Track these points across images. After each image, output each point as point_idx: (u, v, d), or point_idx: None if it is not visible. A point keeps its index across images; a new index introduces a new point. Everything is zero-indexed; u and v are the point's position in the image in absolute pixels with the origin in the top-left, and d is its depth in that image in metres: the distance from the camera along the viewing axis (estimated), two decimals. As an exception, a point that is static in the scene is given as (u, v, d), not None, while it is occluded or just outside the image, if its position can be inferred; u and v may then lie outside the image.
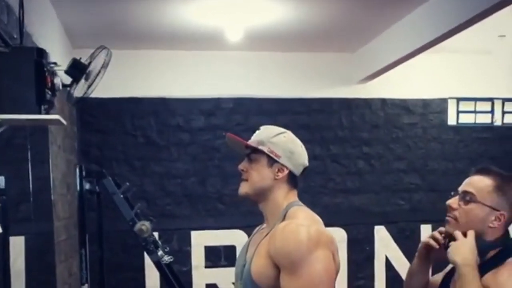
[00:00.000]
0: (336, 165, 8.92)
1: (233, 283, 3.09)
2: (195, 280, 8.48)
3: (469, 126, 9.31)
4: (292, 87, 8.72)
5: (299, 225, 2.74)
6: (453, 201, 2.88)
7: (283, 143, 2.92)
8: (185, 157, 8.59)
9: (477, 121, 9.34)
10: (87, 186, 6.00)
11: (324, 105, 8.86)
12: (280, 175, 2.90)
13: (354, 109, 8.96)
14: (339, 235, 8.45)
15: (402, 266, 8.57)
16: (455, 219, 2.85)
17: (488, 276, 2.71)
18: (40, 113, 3.55)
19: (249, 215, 7.87)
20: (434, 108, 9.18)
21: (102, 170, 6.30)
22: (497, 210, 2.76)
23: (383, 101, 9.03)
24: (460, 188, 2.89)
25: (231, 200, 8.45)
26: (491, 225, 2.78)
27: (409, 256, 9.00)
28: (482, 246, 2.76)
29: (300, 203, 2.96)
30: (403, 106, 9.10)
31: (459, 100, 9.25)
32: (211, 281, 8.37)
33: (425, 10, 6.60)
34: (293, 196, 2.96)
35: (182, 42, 7.95)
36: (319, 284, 2.64)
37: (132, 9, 6.57)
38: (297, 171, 2.95)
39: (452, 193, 2.92)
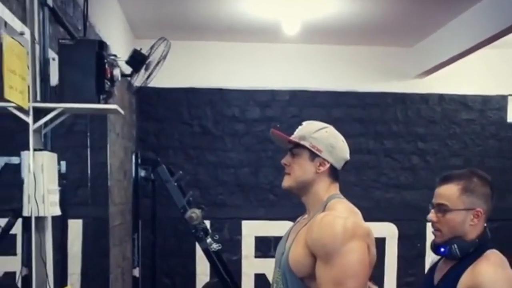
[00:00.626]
0: (390, 159, 8.90)
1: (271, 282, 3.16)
2: (245, 269, 8.56)
3: (529, 123, 9.18)
4: (347, 80, 8.73)
5: (336, 216, 2.82)
6: (432, 215, 2.99)
7: (324, 138, 2.98)
8: (239, 148, 8.66)
9: (538, 119, 9.21)
10: (142, 173, 6.11)
11: (379, 99, 8.85)
12: (322, 169, 2.97)
13: (409, 104, 8.93)
14: (390, 230, 8.45)
15: (453, 262, 8.48)
16: (439, 230, 2.97)
17: (468, 270, 2.83)
18: (99, 102, 3.68)
19: (300, 206, 7.85)
20: (494, 105, 9.09)
21: (157, 158, 6.41)
22: (472, 209, 2.90)
23: (441, 96, 8.97)
24: (434, 201, 3.00)
25: (282, 191, 8.36)
26: (471, 223, 2.91)
27: (461, 253, 8.93)
28: (462, 246, 2.89)
29: (341, 195, 3.04)
30: (462, 102, 9.03)
31: (519, 97, 9.15)
32: (260, 271, 8.43)
33: (485, 5, 6.57)
34: (335, 189, 3.03)
35: (239, 34, 8.03)
36: (353, 275, 2.71)
37: (191, 1, 6.68)
38: (338, 165, 3.01)
39: (430, 207, 3.02)
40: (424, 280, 3.19)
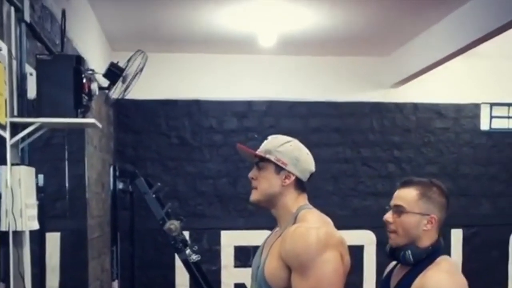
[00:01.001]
0: (367, 168, 8.97)
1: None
2: (224, 279, 8.59)
3: (502, 131, 9.31)
4: (323, 90, 8.79)
5: (308, 228, 2.88)
6: (388, 216, 3.08)
7: (289, 151, 3.04)
8: (217, 158, 8.69)
9: (510, 126, 9.33)
10: (120, 185, 6.14)
11: (356, 109, 8.92)
12: (287, 181, 3.03)
13: (385, 113, 9.01)
14: (368, 237, 8.51)
15: (431, 269, 8.55)
16: (394, 232, 3.05)
17: (419, 277, 2.94)
18: (77, 116, 3.71)
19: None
20: (467, 113, 9.19)
21: (135, 170, 6.42)
22: (427, 215, 3.01)
23: (415, 105, 9.06)
24: (392, 203, 3.09)
25: (262, 201, 8.49)
26: (425, 228, 3.01)
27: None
28: (416, 253, 2.99)
29: (310, 206, 3.09)
30: (435, 110, 9.12)
31: (492, 105, 9.25)
32: (240, 280, 8.46)
33: (459, 15, 6.64)
34: (303, 200, 3.09)
35: (216, 46, 8.07)
36: (328, 285, 2.76)
37: (168, 14, 6.71)
38: (304, 177, 3.07)
39: (387, 207, 3.11)
40: (380, 285, 3.27)
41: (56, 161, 4.99)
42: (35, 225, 3.62)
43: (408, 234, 3.01)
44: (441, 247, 3.08)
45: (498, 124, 9.31)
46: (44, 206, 3.88)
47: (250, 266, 8.25)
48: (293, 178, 3.04)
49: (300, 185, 3.07)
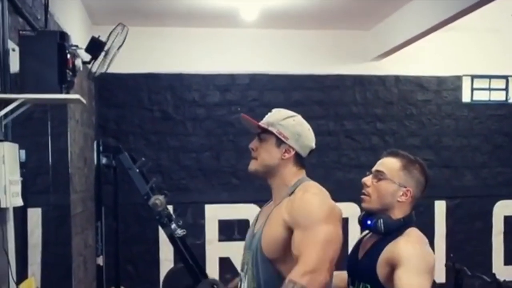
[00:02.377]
0: (350, 140, 8.98)
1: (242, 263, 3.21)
2: (209, 253, 8.59)
3: (484, 103, 9.34)
4: (306, 64, 8.77)
5: (319, 195, 2.99)
6: (367, 179, 3.18)
7: (291, 126, 3.08)
8: (200, 132, 8.67)
9: (492, 98, 9.37)
10: (104, 160, 6.12)
11: (338, 82, 8.92)
12: (287, 155, 3.08)
13: (367, 86, 9.01)
14: (352, 210, 8.45)
15: (415, 241, 8.59)
16: (368, 195, 3.13)
17: (388, 246, 3.00)
18: (61, 92, 3.70)
19: (262, 189, 7.89)
20: (448, 85, 9.21)
21: (118, 145, 6.40)
22: (404, 187, 3.09)
23: (397, 78, 9.07)
24: (373, 168, 3.19)
25: (245, 174, 8.43)
26: (399, 199, 3.08)
27: (424, 231, 8.97)
28: (387, 223, 3.06)
29: (310, 180, 3.13)
30: (417, 83, 9.14)
31: (473, 77, 9.28)
32: (224, 254, 8.47)
33: (441, -12, 6.63)
34: (302, 174, 3.14)
35: (198, 20, 8.03)
36: (329, 243, 2.78)
37: (149, -14, 6.66)
38: (304, 153, 3.11)
39: (367, 173, 3.20)
40: (350, 254, 3.31)
41: (38, 136, 4.96)
42: (19, 202, 3.61)
43: (381, 200, 3.09)
44: (413, 222, 3.14)
45: (479, 96, 9.35)
46: (25, 182, 3.86)
47: (234, 240, 8.32)
48: (293, 152, 3.09)
49: (299, 160, 3.12)
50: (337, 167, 8.87)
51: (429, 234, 7.75)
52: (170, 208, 6.51)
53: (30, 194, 4.28)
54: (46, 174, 5.08)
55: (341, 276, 3.33)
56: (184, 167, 8.62)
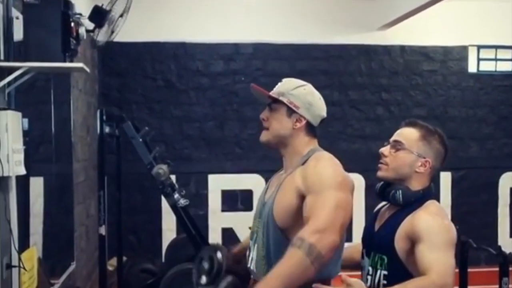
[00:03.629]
0: (355, 111, 8.94)
1: (250, 227, 3.19)
2: (211, 224, 8.57)
3: (490, 73, 9.29)
4: (311, 33, 8.70)
5: (334, 164, 2.96)
6: (384, 149, 3.13)
7: (302, 95, 3.05)
8: (204, 101, 8.63)
9: (498, 69, 9.32)
10: (107, 129, 6.08)
11: (343, 52, 8.86)
12: (298, 125, 3.05)
13: (373, 56, 8.96)
14: (357, 181, 8.36)
15: (420, 213, 8.59)
16: (386, 164, 3.10)
17: (407, 219, 2.96)
18: (65, 61, 3.67)
19: (266, 159, 7.91)
20: (454, 56, 9.15)
21: (122, 114, 6.36)
22: (423, 157, 3.04)
23: (403, 48, 9.01)
24: (392, 138, 3.14)
25: (248, 144, 8.49)
26: (417, 170, 3.05)
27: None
28: (406, 194, 3.02)
29: (322, 149, 3.10)
30: (423, 53, 9.08)
31: (479, 47, 9.22)
32: (227, 225, 8.45)
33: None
34: (314, 144, 3.11)
35: (202, -13, 7.95)
36: (340, 208, 2.77)
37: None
38: (315, 122, 3.09)
39: (385, 143, 3.16)
40: (366, 225, 3.29)
41: (41, 104, 4.93)
42: (22, 170, 3.60)
43: (399, 170, 3.06)
44: (432, 194, 3.10)
45: (485, 66, 9.29)
46: (28, 150, 3.83)
47: (237, 210, 8.30)
48: (304, 122, 3.06)
49: (311, 129, 3.09)
50: (341, 138, 8.83)
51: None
52: (173, 177, 6.49)
53: (32, 163, 4.27)
54: (48, 143, 5.06)
55: (357, 247, 3.31)
56: (187, 137, 8.59)
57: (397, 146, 3.07)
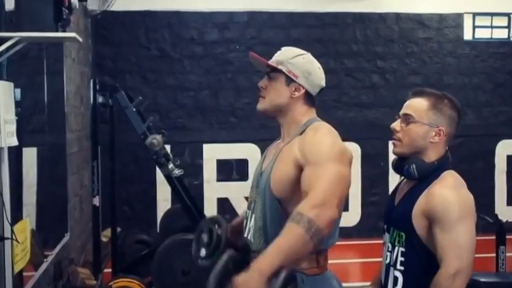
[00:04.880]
0: (350, 79, 8.91)
1: (245, 198, 3.16)
2: (207, 194, 8.55)
3: (485, 41, 9.26)
4: (306, 1, 8.65)
5: (331, 136, 2.88)
6: (395, 124, 3.04)
7: (301, 64, 3.01)
8: (198, 70, 8.59)
9: (494, 36, 9.29)
10: (100, 99, 6.03)
11: (338, 19, 8.82)
12: (297, 94, 3.00)
13: (368, 23, 8.92)
14: (353, 150, 8.35)
15: (416, 181, 8.60)
16: (399, 140, 3.02)
17: (424, 193, 2.89)
18: (57, 30, 3.61)
19: (261, 128, 7.90)
20: (450, 23, 9.12)
21: (115, 84, 6.32)
22: (436, 126, 2.95)
23: (398, 15, 8.97)
24: (401, 112, 3.04)
25: (243, 113, 8.46)
26: (432, 140, 2.96)
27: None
28: (421, 167, 2.95)
29: (320, 120, 3.05)
30: (418, 20, 9.04)
31: (475, 15, 9.18)
32: (222, 195, 8.44)
33: None
34: (312, 113, 3.06)
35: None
36: (338, 180, 2.72)
37: None
38: (314, 91, 3.04)
39: (395, 117, 3.06)
40: (388, 200, 3.20)
41: (33, 74, 4.87)
42: (14, 141, 3.56)
43: (413, 144, 2.97)
44: (448, 162, 3.00)
45: (481, 34, 9.27)
46: (21, 121, 3.78)
47: (232, 180, 8.29)
48: (302, 91, 2.99)
49: (309, 99, 3.03)
50: (337, 106, 8.80)
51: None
52: (168, 148, 6.45)
53: (25, 134, 4.22)
54: (41, 113, 5.01)
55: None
56: (181, 106, 8.56)
57: (408, 119, 2.98)
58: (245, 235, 3.04)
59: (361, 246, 8.62)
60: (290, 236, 2.59)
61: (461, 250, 2.73)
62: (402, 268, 2.92)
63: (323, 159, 2.74)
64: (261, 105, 3.04)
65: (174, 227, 6.37)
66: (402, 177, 3.12)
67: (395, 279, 2.94)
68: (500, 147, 9.15)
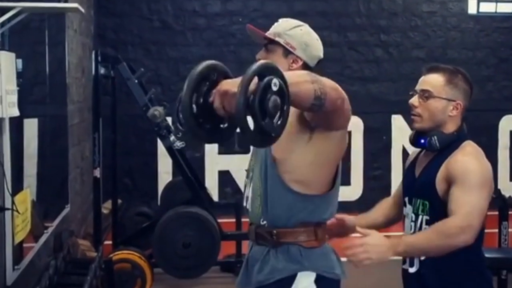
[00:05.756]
0: (354, 52, 8.88)
1: (246, 170, 3.14)
2: (208, 166, 8.54)
3: (490, 15, 9.21)
4: (309, -28, 8.61)
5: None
6: (414, 100, 3.11)
7: (299, 35, 2.98)
8: (201, 42, 8.56)
9: (498, 10, 9.23)
10: (102, 70, 6.00)
11: (341, -8, 8.79)
12: (295, 65, 2.97)
13: (371, -4, 8.89)
14: (356, 124, 8.43)
15: (419, 156, 8.60)
16: (418, 115, 3.09)
17: (445, 162, 2.99)
18: (59, 1, 3.59)
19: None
20: (454, -4, 9.09)
21: (117, 55, 6.29)
22: (453, 101, 3.05)
23: (402, -12, 8.94)
24: (417, 88, 3.13)
25: (245, 86, 8.42)
26: (450, 114, 3.05)
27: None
28: (442, 138, 3.03)
29: None
30: (422, -7, 9.00)
31: (479, -12, 9.11)
32: (224, 167, 8.43)
33: None
34: None
35: None
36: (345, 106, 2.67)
37: None
38: (312, 63, 3.00)
39: (411, 93, 3.14)
40: (405, 174, 3.29)
41: (35, 45, 4.86)
42: (16, 112, 3.55)
43: (433, 118, 3.05)
44: (465, 133, 3.10)
45: (486, 8, 9.22)
46: (22, 92, 3.76)
47: (234, 153, 8.29)
48: (300, 63, 2.97)
49: (307, 70, 2.99)
50: (340, 80, 8.61)
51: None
52: (169, 120, 6.43)
53: (26, 105, 4.21)
54: (43, 84, 4.99)
55: (379, 212, 3.34)
56: (184, 78, 8.29)
57: (426, 94, 3.06)
58: (244, 204, 3.02)
59: (362, 220, 8.60)
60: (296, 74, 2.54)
61: (474, 211, 2.81)
62: None
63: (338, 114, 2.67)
64: None
65: (175, 200, 6.35)
66: (419, 151, 3.21)
67: None
68: (504, 122, 9.13)
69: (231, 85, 2.10)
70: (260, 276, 2.87)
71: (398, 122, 8.78)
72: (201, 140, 2.16)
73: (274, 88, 2.04)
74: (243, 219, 6.40)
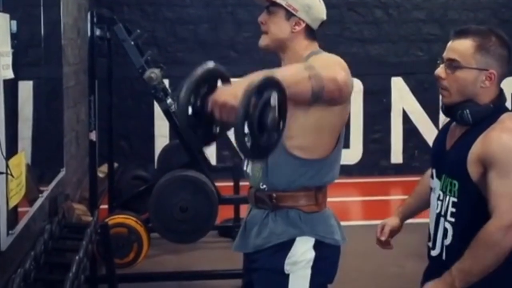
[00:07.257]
0: (353, 13, 8.83)
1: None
2: (206, 129, 8.52)
3: (492, -26, 9.11)
4: None
5: (337, 59, 2.84)
6: (441, 71, 2.76)
7: None
8: (198, 3, 8.51)
9: (501, -31, 9.14)
10: (97, 32, 5.91)
11: (340, -48, 8.72)
12: (297, 28, 2.96)
13: (370, -44, 8.83)
14: (355, 86, 8.32)
15: (420, 119, 8.57)
16: (446, 89, 2.76)
17: (480, 138, 2.66)
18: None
19: (262, 63, 7.77)
20: (455, -44, 9.01)
21: (113, 16, 6.20)
22: (486, 70, 2.69)
23: None
24: (444, 56, 2.76)
25: (244, 47, 8.37)
26: (482, 85, 2.70)
27: (427, 109, 8.99)
28: (475, 111, 2.70)
29: (322, 51, 3.01)
30: (422, -47, 8.93)
31: None
32: (222, 130, 8.41)
33: None
34: (314, 46, 3.02)
35: None
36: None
37: None
38: (315, 25, 3.00)
39: (438, 61, 2.79)
40: (436, 139, 2.99)
41: (30, 6, 4.80)
42: (10, 74, 3.52)
43: (463, 92, 2.72)
44: (504, 104, 2.77)
45: (487, -33, 9.12)
46: (16, 54, 3.70)
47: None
48: (303, 25, 2.96)
49: (310, 32, 3.00)
50: (339, 41, 8.72)
51: (433, 112, 7.61)
52: (166, 82, 6.36)
53: (21, 67, 4.14)
54: (38, 46, 4.93)
55: (421, 195, 3.09)
56: (180, 40, 8.47)
57: (453, 65, 2.71)
58: (244, 168, 3.04)
59: (362, 184, 8.60)
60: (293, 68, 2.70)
61: None
62: (452, 219, 2.73)
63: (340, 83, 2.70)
64: (263, 41, 3.02)
65: (172, 163, 6.31)
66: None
67: (445, 230, 2.76)
68: (504, 85, 9.02)
69: (229, 95, 2.26)
70: (258, 240, 2.90)
71: (398, 84, 8.74)
72: (194, 144, 2.34)
73: (273, 103, 2.18)
74: (241, 183, 6.38)
